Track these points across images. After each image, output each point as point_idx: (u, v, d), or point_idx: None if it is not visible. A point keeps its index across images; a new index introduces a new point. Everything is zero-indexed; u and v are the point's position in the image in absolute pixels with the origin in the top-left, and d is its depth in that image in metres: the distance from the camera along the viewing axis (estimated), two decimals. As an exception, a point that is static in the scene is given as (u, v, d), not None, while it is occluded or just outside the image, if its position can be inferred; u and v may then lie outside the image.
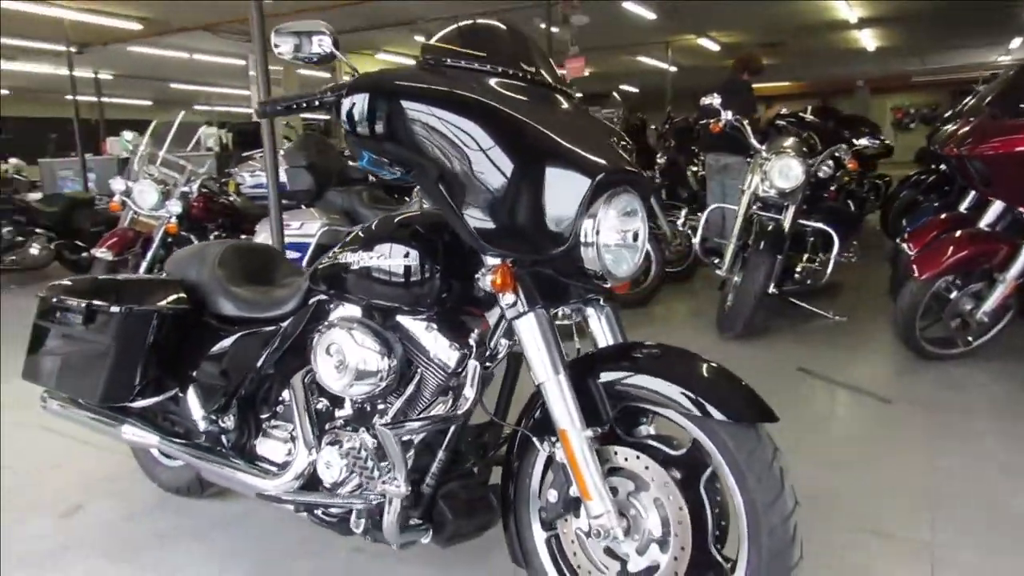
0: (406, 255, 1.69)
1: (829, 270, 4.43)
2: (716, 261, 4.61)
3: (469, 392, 1.66)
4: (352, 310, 1.83)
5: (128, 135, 10.89)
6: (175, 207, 5.18)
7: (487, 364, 1.73)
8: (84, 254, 6.93)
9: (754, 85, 6.02)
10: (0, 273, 6.79)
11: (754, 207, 4.44)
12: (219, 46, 12.51)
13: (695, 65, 16.67)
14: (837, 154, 4.64)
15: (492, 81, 1.63)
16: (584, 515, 1.57)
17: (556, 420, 1.55)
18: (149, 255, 5.28)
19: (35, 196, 8.40)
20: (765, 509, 1.41)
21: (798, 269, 4.53)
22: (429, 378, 1.74)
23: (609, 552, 1.60)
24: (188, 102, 20.54)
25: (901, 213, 6.30)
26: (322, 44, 1.61)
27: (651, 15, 11.95)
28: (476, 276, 1.60)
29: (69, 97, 10.65)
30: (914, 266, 3.60)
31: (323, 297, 1.92)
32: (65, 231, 7.19)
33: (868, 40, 15.55)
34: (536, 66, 1.75)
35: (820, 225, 4.45)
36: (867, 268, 5.74)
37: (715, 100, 4.58)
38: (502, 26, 1.80)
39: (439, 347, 1.72)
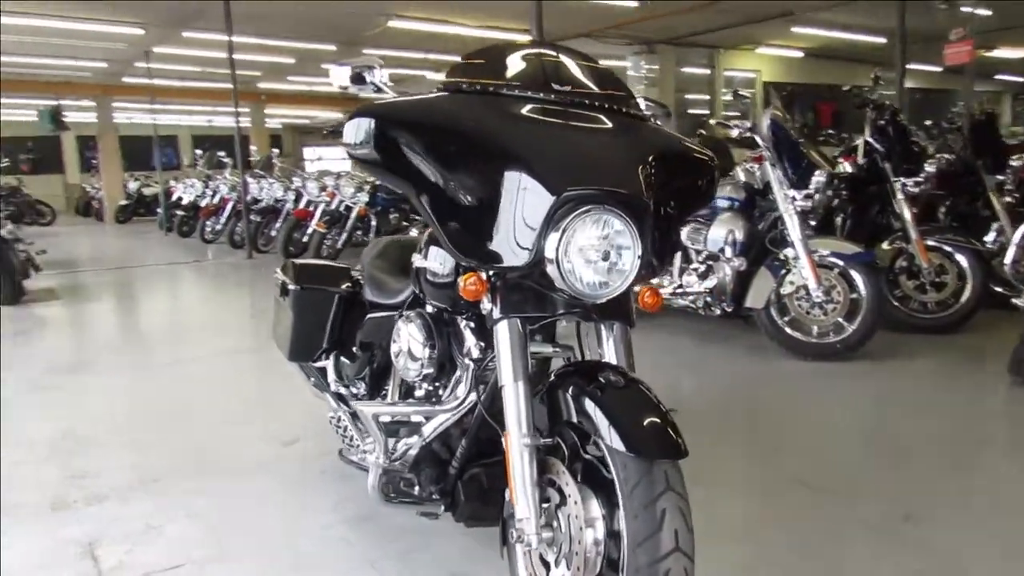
0: (442, 262, 1.91)
1: None
2: None
3: (462, 390, 1.83)
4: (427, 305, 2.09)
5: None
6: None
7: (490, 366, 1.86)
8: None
9: None
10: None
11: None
12: (602, 50, 13.33)
13: None
14: None
15: (501, 103, 1.75)
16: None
17: (506, 421, 1.65)
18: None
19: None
20: (634, 547, 1.37)
21: None
22: (462, 371, 1.93)
23: (542, 559, 1.65)
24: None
25: None
26: (373, 76, 1.90)
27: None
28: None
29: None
30: None
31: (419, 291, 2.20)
32: None
33: None
34: (572, 84, 1.83)
35: None
36: None
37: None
38: (532, 49, 1.90)
39: (469, 344, 1.91)
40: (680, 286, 4.59)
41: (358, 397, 2.53)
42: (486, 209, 1.62)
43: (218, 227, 11.10)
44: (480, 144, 1.65)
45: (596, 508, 1.53)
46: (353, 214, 8.37)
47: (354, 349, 2.60)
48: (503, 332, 1.67)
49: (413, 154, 1.70)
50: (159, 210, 14.23)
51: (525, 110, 1.75)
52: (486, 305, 1.71)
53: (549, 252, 1.56)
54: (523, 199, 1.58)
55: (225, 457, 3.00)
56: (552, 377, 1.69)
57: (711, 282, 4.38)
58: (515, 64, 1.87)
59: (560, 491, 1.60)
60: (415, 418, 1.93)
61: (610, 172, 1.64)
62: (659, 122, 2.26)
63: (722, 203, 4.46)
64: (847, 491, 2.59)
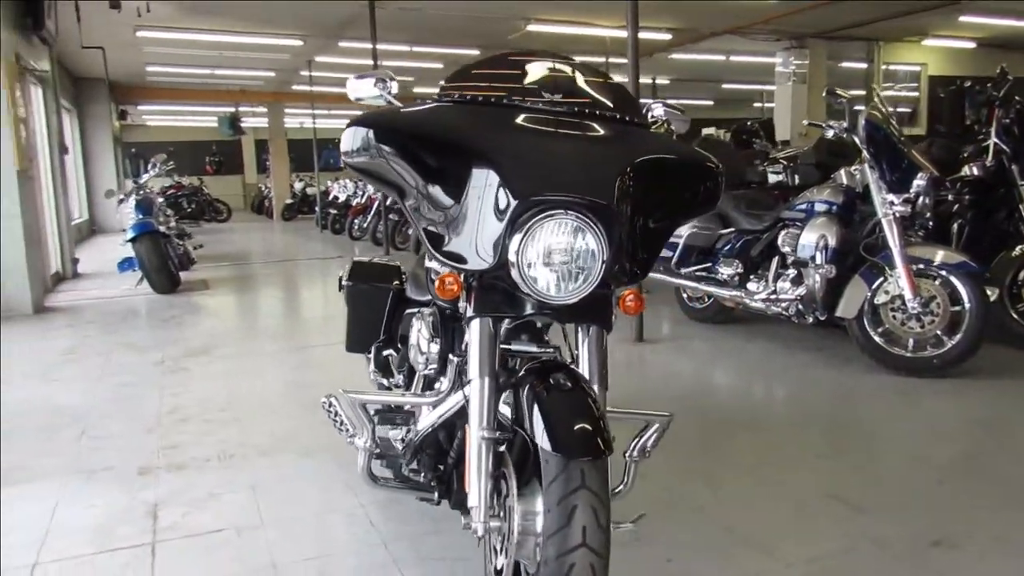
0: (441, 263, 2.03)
1: None
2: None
3: (445, 384, 1.95)
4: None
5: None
6: None
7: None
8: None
9: None
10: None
11: None
12: (749, 46, 12.93)
13: None
14: None
15: (485, 112, 1.85)
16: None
17: (468, 414, 1.74)
18: None
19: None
20: (546, 539, 1.43)
21: None
22: (450, 367, 2.05)
23: (494, 547, 1.73)
24: (748, 100, 21.50)
25: None
26: (386, 88, 2.05)
27: None
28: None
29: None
30: None
31: None
32: None
33: None
34: (565, 93, 1.90)
35: None
36: None
37: None
38: (528, 58, 1.98)
39: (457, 341, 2.03)
40: (773, 292, 4.45)
41: (398, 386, 2.70)
42: (461, 213, 1.73)
43: (364, 225, 11.78)
44: (457, 150, 1.76)
45: (540, 503, 1.59)
46: None
47: (397, 343, 2.77)
48: (474, 330, 1.77)
49: (397, 160, 1.82)
50: (317, 208, 15.27)
51: (508, 118, 1.83)
52: (462, 304, 1.81)
53: (511, 255, 1.63)
54: (493, 203, 1.67)
55: (300, 438, 3.27)
56: (520, 374, 1.76)
57: (802, 289, 4.22)
58: (508, 74, 1.96)
59: (508, 485, 1.68)
60: (408, 408, 2.06)
61: (578, 179, 1.69)
62: (674, 127, 2.27)
63: (820, 207, 4.28)
64: (886, 511, 2.46)
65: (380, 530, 2.42)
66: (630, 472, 1.98)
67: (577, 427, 1.51)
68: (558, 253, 1.65)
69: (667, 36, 12.11)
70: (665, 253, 5.10)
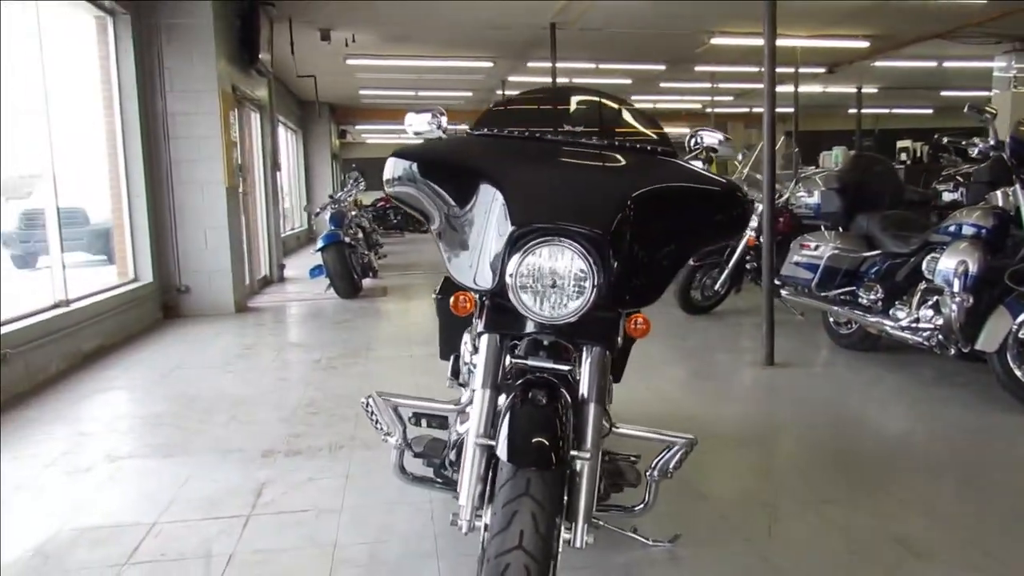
0: None
1: None
2: None
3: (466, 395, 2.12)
4: None
5: (838, 150, 11.54)
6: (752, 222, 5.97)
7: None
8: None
9: None
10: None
11: None
12: (963, 51, 11.84)
13: None
14: None
15: (506, 143, 2.03)
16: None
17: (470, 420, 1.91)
18: (729, 266, 6.18)
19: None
20: (489, 541, 1.56)
21: None
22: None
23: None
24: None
25: None
26: (432, 122, 2.28)
27: None
28: None
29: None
30: None
31: None
32: None
33: None
34: (585, 124, 2.04)
35: None
36: None
37: None
38: (555, 92, 2.12)
39: None
40: (916, 320, 4.16)
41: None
42: (473, 237, 1.92)
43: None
44: (472, 179, 1.94)
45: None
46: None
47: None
48: (482, 345, 1.94)
49: (426, 186, 2.04)
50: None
51: (525, 149, 2.00)
52: (475, 321, 1.99)
53: (507, 277, 1.79)
54: (497, 229, 1.84)
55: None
56: (510, 387, 1.90)
57: (942, 318, 3.91)
58: (535, 107, 2.12)
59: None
60: (439, 412, 2.24)
61: (576, 208, 1.81)
62: (721, 152, 2.28)
63: (967, 230, 3.95)
64: (950, 559, 2.30)
65: (436, 524, 2.63)
66: (651, 491, 2.05)
67: (534, 439, 1.62)
68: (548, 277, 1.77)
69: (863, 44, 11.39)
70: (804, 275, 4.92)
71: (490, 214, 1.88)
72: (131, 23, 6.65)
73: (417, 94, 16.15)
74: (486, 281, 1.87)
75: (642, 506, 2.09)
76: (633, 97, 17.68)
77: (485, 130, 2.12)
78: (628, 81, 15.08)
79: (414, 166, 2.09)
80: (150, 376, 4.91)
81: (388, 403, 2.17)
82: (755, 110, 19.35)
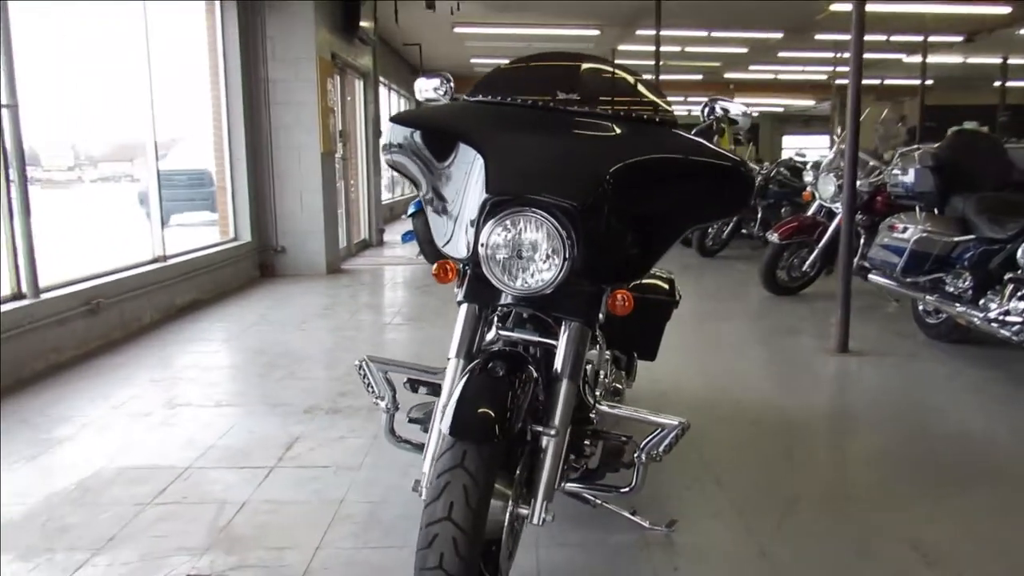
0: None
1: None
2: None
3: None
4: None
5: (969, 125, 10.80)
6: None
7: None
8: (762, 233, 7.72)
9: None
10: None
11: None
12: None
13: None
14: None
15: (494, 110, 2.00)
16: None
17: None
18: (819, 246, 5.89)
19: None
20: (424, 508, 1.56)
21: None
22: None
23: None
24: None
25: None
26: (440, 87, 2.27)
27: None
28: None
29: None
30: None
31: None
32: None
33: None
34: (579, 92, 1.99)
35: None
36: None
37: None
38: (554, 60, 2.06)
39: None
40: (1007, 312, 3.83)
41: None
42: (454, 204, 1.91)
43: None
44: (456, 145, 1.93)
45: None
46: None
47: None
48: (460, 314, 1.94)
49: (417, 151, 2.04)
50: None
51: (511, 117, 1.96)
52: (456, 290, 1.98)
53: (478, 247, 1.77)
54: (474, 199, 1.83)
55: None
56: (476, 358, 1.88)
57: (1028, 311, 3.58)
58: (531, 74, 2.07)
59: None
60: (429, 380, 2.24)
61: (549, 177, 1.78)
62: (740, 122, 2.15)
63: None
64: (961, 572, 2.13)
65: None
66: (639, 473, 2.00)
67: (478, 411, 1.61)
68: (514, 247, 1.75)
69: (1004, 8, 10.43)
70: (891, 258, 4.61)
71: (469, 182, 1.86)
72: (236, -6, 6.95)
73: (528, 63, 16.08)
74: (461, 250, 1.86)
75: (629, 488, 2.03)
76: (751, 67, 16.97)
77: (480, 96, 2.09)
78: (744, 50, 14.46)
79: (409, 131, 2.09)
80: (230, 330, 5.18)
81: (380, 368, 2.20)
82: (887, 81, 18.17)
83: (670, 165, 1.88)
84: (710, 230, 8.57)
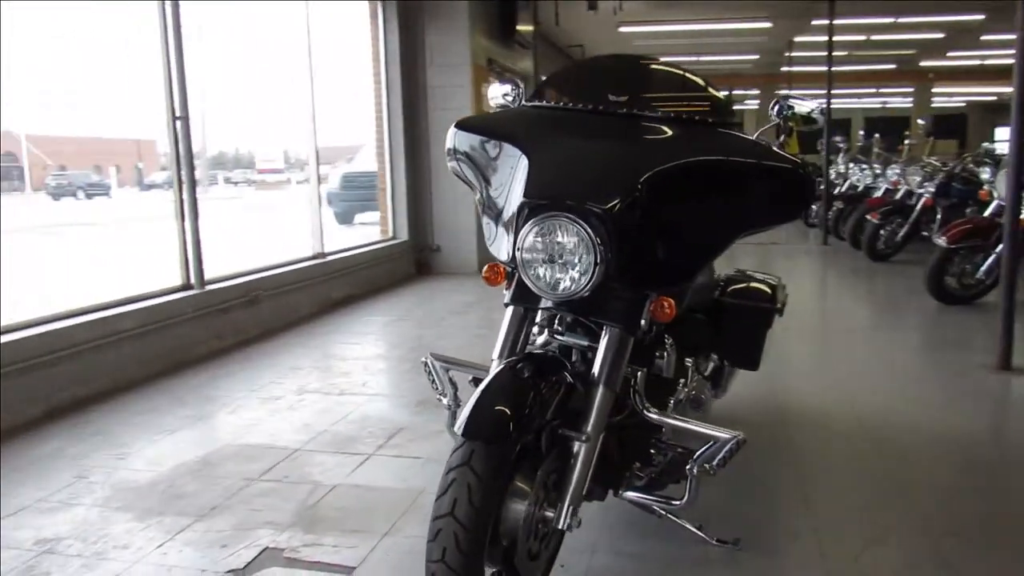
0: None
1: None
2: None
3: None
4: None
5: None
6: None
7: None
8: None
9: None
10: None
11: None
12: None
13: None
14: None
15: (549, 115, 2.03)
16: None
17: None
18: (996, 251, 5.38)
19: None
20: (434, 503, 1.61)
21: None
22: None
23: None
24: None
25: None
26: (509, 94, 2.32)
27: None
28: None
29: None
30: None
31: None
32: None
33: None
34: (630, 95, 1.98)
35: None
36: None
37: None
38: (606, 63, 2.04)
39: None
40: None
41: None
42: (501, 208, 1.96)
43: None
44: (506, 150, 1.97)
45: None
46: (918, 205, 7.71)
47: None
48: (506, 316, 1.98)
49: (473, 159, 2.10)
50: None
51: (559, 122, 1.98)
52: (503, 292, 2.02)
53: (515, 250, 1.82)
54: (514, 203, 1.88)
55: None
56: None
57: None
58: (583, 78, 2.08)
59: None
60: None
61: (584, 182, 1.79)
62: (819, 121, 2.04)
63: None
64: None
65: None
66: (692, 486, 1.94)
67: (491, 411, 1.64)
68: (547, 251, 1.77)
69: None
70: None
71: (513, 186, 1.90)
72: (397, 4, 7.33)
73: (698, 59, 15.69)
74: (503, 253, 1.90)
75: (682, 501, 1.97)
76: (948, 54, 15.51)
77: (537, 100, 2.11)
78: (939, 35, 13.27)
79: (469, 137, 2.15)
80: (374, 324, 5.51)
81: (444, 366, 2.28)
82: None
83: (712, 167, 1.82)
84: (882, 232, 7.96)
